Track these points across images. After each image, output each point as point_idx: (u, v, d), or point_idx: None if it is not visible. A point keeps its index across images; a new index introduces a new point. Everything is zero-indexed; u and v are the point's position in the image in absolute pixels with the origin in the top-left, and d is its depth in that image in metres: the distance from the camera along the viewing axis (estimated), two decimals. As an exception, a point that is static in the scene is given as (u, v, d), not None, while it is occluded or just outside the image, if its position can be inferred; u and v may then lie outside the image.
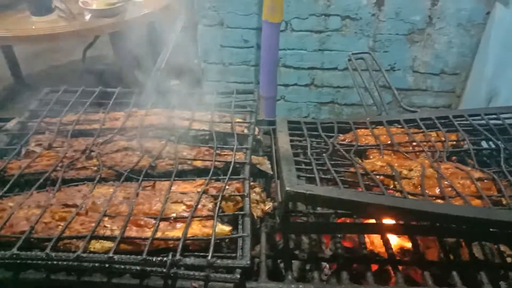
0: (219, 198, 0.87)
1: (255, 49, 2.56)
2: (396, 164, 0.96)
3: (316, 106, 2.73)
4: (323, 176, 0.89)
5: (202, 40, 2.57)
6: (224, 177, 0.95)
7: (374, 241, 1.11)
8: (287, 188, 0.78)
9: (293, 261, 0.91)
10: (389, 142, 1.06)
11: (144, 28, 2.49)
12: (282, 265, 0.98)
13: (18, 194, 0.92)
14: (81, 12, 2.29)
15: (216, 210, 0.84)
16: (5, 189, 0.92)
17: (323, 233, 0.93)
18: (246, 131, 1.14)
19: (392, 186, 0.90)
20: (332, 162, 0.95)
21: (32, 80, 3.33)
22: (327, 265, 1.14)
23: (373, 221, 0.87)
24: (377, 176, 0.90)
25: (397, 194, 0.87)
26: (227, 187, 0.92)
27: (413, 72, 2.58)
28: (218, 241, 0.80)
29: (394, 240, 1.03)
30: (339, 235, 0.93)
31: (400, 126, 1.14)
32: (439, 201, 0.85)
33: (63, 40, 2.61)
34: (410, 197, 0.84)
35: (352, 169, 0.93)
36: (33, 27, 2.27)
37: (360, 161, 0.99)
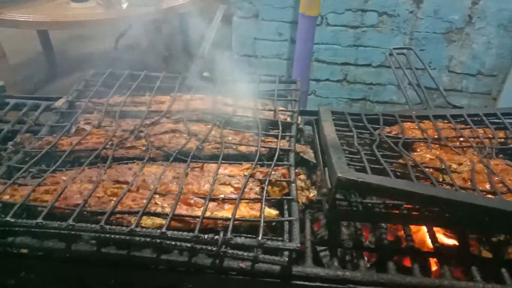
0: (266, 182, 0.88)
1: (289, 42, 2.56)
2: (444, 158, 0.94)
3: (348, 102, 2.71)
4: (372, 166, 0.88)
5: (236, 32, 2.58)
6: (270, 162, 0.96)
7: (415, 237, 1.10)
8: (339, 175, 0.78)
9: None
10: (436, 136, 1.04)
11: (179, 18, 2.52)
12: (322, 253, 1.00)
13: (70, 169, 0.95)
14: (118, 0, 2.33)
15: (264, 194, 0.85)
16: (57, 163, 0.94)
17: (373, 222, 0.93)
18: (289, 119, 1.14)
19: (441, 179, 0.89)
20: (380, 153, 0.94)
21: (65, 65, 3.40)
22: (365, 258, 1.14)
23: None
24: (427, 169, 0.89)
25: (447, 187, 0.86)
26: (273, 172, 0.92)
27: (448, 72, 2.54)
28: (265, 223, 0.80)
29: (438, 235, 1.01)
30: (382, 227, 0.93)
31: (446, 121, 1.12)
32: (490, 196, 0.84)
33: (99, 27, 2.66)
34: (461, 191, 0.83)
35: (401, 161, 0.92)
36: (71, 13, 2.32)
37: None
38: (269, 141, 1.06)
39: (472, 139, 1.04)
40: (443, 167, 0.91)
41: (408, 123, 1.11)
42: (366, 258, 1.12)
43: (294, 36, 2.47)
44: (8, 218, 0.78)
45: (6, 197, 0.86)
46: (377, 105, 2.69)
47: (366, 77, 2.61)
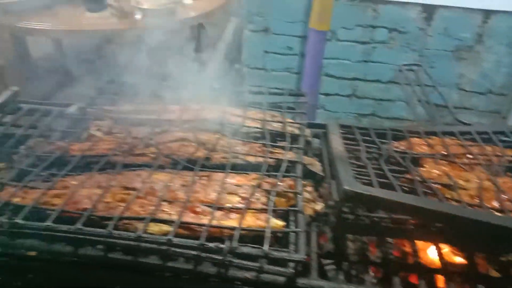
0: (273, 193, 0.88)
1: (299, 56, 2.58)
2: (452, 175, 0.94)
3: (356, 117, 2.72)
4: (379, 180, 0.88)
5: (246, 45, 2.61)
6: (277, 173, 0.96)
7: (421, 254, 1.09)
8: (346, 187, 0.78)
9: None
10: (444, 152, 1.04)
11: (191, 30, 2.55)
12: (327, 266, 1.00)
13: (80, 174, 0.96)
14: (132, 11, 2.37)
15: (271, 204, 0.85)
16: (68, 168, 0.96)
17: (379, 236, 0.92)
18: (297, 131, 1.15)
19: (448, 196, 0.89)
20: (388, 168, 0.94)
21: (77, 73, 3.45)
22: (372, 273, 1.13)
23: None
24: (434, 185, 0.89)
25: (454, 203, 0.86)
26: (280, 183, 0.93)
27: (458, 89, 2.54)
28: (272, 234, 0.80)
29: (445, 252, 1.01)
30: (389, 242, 0.92)
31: (454, 138, 1.12)
32: (498, 214, 0.83)
33: (113, 37, 2.71)
34: (468, 207, 0.83)
35: (408, 176, 0.92)
36: (85, 22, 2.37)
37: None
38: (276, 152, 1.07)
39: (480, 156, 1.04)
40: (451, 183, 0.91)
41: (416, 139, 1.11)
42: (372, 273, 1.11)
43: (304, 50, 2.49)
44: (18, 220, 0.79)
45: (17, 200, 0.87)
46: (386, 121, 2.69)
47: (375, 93, 2.62)
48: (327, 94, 2.67)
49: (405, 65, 1.53)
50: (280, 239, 0.89)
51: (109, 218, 0.81)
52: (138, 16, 2.42)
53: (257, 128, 1.14)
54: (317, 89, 2.46)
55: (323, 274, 0.96)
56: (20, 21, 2.18)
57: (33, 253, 0.87)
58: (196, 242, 0.75)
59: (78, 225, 0.78)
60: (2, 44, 2.15)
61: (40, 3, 2.34)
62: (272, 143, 1.08)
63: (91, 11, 2.44)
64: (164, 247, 0.77)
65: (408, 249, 0.97)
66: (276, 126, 1.17)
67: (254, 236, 0.84)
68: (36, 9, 2.35)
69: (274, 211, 0.86)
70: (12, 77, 2.20)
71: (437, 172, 0.94)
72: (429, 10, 2.34)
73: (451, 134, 1.14)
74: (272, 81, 2.67)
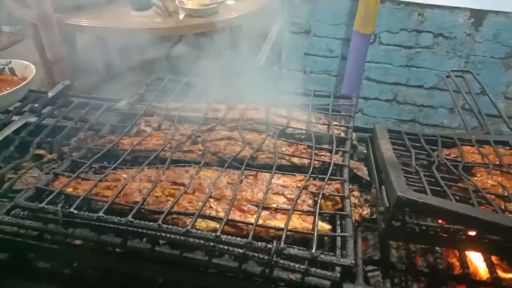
0: (320, 196, 0.87)
1: (339, 59, 2.56)
2: (507, 185, 0.91)
3: (396, 123, 2.66)
4: (431, 188, 0.86)
5: (287, 47, 2.61)
6: (322, 176, 0.95)
7: (470, 265, 1.05)
8: (399, 194, 0.76)
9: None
10: (497, 162, 1.00)
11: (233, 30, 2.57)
12: (369, 273, 0.98)
13: (130, 167, 0.98)
14: (176, 11, 2.41)
15: (318, 207, 0.84)
16: (119, 161, 0.98)
17: (428, 245, 0.90)
18: (343, 134, 1.14)
19: (503, 207, 0.85)
20: (440, 175, 0.91)
21: (119, 70, 3.54)
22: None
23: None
24: (488, 195, 0.86)
25: (510, 215, 0.82)
26: (326, 186, 0.92)
27: (505, 98, 2.45)
28: (318, 237, 0.80)
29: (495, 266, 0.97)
30: (437, 252, 0.90)
31: (508, 148, 1.08)
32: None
33: (157, 35, 2.77)
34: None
35: (461, 184, 0.89)
36: (131, 20, 2.43)
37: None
38: (322, 155, 1.06)
39: (537, 168, 1.00)
40: (506, 194, 0.87)
41: (468, 147, 1.07)
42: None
43: (345, 53, 2.46)
44: (71, 210, 0.81)
45: (69, 190, 0.90)
46: (426, 128, 2.62)
47: (417, 99, 2.55)
48: (366, 98, 2.63)
49: (453, 70, 1.49)
50: (322, 243, 0.89)
51: (159, 212, 0.83)
52: (182, 15, 2.46)
53: (302, 129, 1.14)
54: (357, 93, 2.43)
55: (366, 281, 0.95)
56: (70, 18, 2.27)
57: (79, 242, 0.89)
58: (244, 240, 0.76)
59: (129, 218, 0.79)
60: (52, 40, 2.23)
61: (88, 1, 2.42)
62: (317, 145, 1.07)
63: (137, 10, 2.50)
64: (211, 244, 0.77)
65: (455, 260, 0.94)
66: (322, 128, 1.16)
67: (297, 238, 0.84)
68: (85, 7, 2.43)
69: (320, 214, 0.86)
70: (61, 72, 2.29)
71: (491, 182, 0.91)
72: (478, 16, 2.27)
73: (505, 143, 1.09)
74: (310, 83, 2.65)
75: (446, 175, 0.94)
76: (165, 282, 0.99)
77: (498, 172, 0.99)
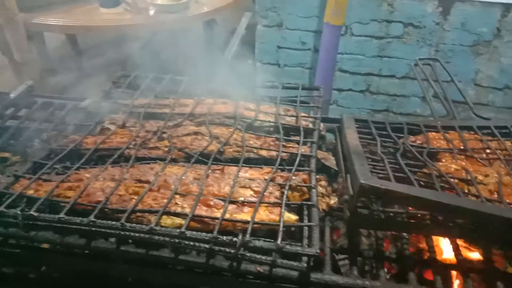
0: (286, 187, 0.87)
1: (312, 51, 2.56)
2: (471, 169, 0.92)
3: (370, 113, 2.68)
4: (395, 174, 0.86)
5: (259, 40, 2.59)
6: (290, 167, 0.95)
7: (437, 250, 1.07)
8: (362, 181, 0.77)
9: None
10: (462, 147, 1.02)
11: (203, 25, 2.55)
12: (340, 262, 0.98)
13: (93, 167, 0.96)
14: (146, 7, 2.37)
15: (284, 198, 0.84)
16: (82, 160, 0.96)
17: (394, 231, 0.91)
18: (311, 125, 1.14)
19: (466, 191, 0.87)
20: (404, 162, 0.92)
21: (92, 69, 3.47)
22: (385, 269, 1.11)
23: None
24: (452, 179, 0.87)
25: (473, 198, 0.83)
26: (293, 177, 0.92)
27: (474, 85, 2.49)
28: (285, 228, 0.79)
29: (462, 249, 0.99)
30: (404, 238, 0.91)
31: (473, 133, 1.10)
32: (518, 209, 0.81)
33: (127, 33, 2.73)
34: (487, 203, 0.81)
35: (425, 170, 0.90)
36: (99, 18, 2.38)
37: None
38: (290, 147, 1.05)
39: (500, 151, 1.02)
40: (469, 178, 0.88)
41: (433, 133, 1.08)
42: (386, 269, 1.09)
43: (317, 45, 2.47)
44: (32, 212, 0.79)
45: (30, 192, 0.88)
46: (400, 117, 2.65)
47: (390, 88, 2.58)
48: (340, 90, 2.64)
49: (421, 59, 1.50)
50: (293, 234, 0.88)
51: (122, 211, 0.81)
52: (151, 11, 2.42)
53: (270, 122, 1.13)
54: (330, 84, 2.43)
55: (336, 269, 0.95)
56: (36, 17, 2.21)
57: (46, 246, 0.87)
58: (209, 235, 0.75)
59: (91, 218, 0.78)
60: (18, 40, 2.17)
61: (55, -1, 2.36)
62: (285, 137, 1.07)
63: (105, 7, 2.45)
64: (176, 240, 0.76)
65: (423, 245, 0.95)
66: (290, 120, 1.16)
67: (267, 231, 0.83)
68: (51, 5, 2.37)
69: (287, 205, 0.85)
70: (29, 72, 2.23)
71: (455, 167, 0.92)
72: (446, 4, 2.30)
73: (469, 128, 1.11)
74: (284, 77, 2.64)
75: (411, 162, 0.95)
76: (135, 282, 0.98)
77: (462, 156, 1.00)
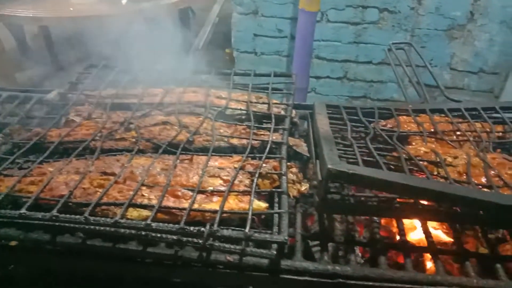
0: (256, 175, 0.86)
1: (289, 39, 2.53)
2: (440, 152, 0.92)
3: (348, 100, 2.68)
4: (365, 158, 0.86)
5: (235, 28, 2.56)
6: (261, 155, 0.94)
7: (408, 233, 1.08)
8: (329, 166, 0.76)
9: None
10: (432, 130, 1.02)
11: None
12: (314, 248, 0.98)
13: (57, 160, 0.93)
14: (118, -4, 2.32)
15: (253, 186, 0.83)
16: (45, 154, 0.93)
17: (363, 215, 0.91)
18: (283, 112, 1.13)
19: (436, 173, 0.87)
20: (374, 146, 0.92)
21: (66, 62, 3.39)
22: (359, 254, 1.12)
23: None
24: (421, 162, 0.87)
25: (442, 180, 0.84)
26: (264, 165, 0.91)
27: (450, 69, 2.51)
28: (254, 216, 0.78)
29: (432, 232, 1.00)
30: (375, 223, 0.91)
31: (443, 115, 1.10)
32: (486, 190, 0.81)
33: (99, 23, 2.66)
34: (455, 184, 0.81)
35: (395, 154, 0.90)
36: (71, 9, 2.32)
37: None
38: (261, 134, 1.04)
39: (469, 133, 1.02)
40: (438, 160, 0.88)
41: (404, 117, 1.08)
42: (360, 254, 1.10)
43: (294, 32, 2.44)
44: (-9, 209, 0.76)
45: (-9, 188, 0.85)
46: (378, 103, 2.66)
47: (367, 75, 2.58)
48: (318, 77, 2.63)
49: (394, 43, 1.50)
50: (266, 222, 0.88)
51: (86, 204, 0.79)
52: (123, 1, 2.37)
53: (242, 110, 1.12)
54: (307, 72, 2.42)
55: (310, 256, 0.95)
56: (3, 9, 2.14)
57: (14, 243, 0.84)
58: (176, 226, 0.73)
59: (53, 212, 0.75)
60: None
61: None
62: (257, 125, 1.05)
63: (77, -3, 2.38)
64: (143, 233, 0.74)
65: (395, 228, 0.95)
66: (262, 108, 1.14)
67: (240, 220, 0.82)
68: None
69: (257, 193, 0.84)
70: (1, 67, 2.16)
71: (425, 149, 0.92)
72: (420, -11, 2.30)
73: (440, 111, 1.11)
74: (262, 65, 2.62)
75: (382, 146, 0.95)
76: (105, 276, 0.96)
77: (433, 139, 1.00)
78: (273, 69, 2.56)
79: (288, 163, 0.96)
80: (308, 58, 2.36)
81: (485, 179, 0.84)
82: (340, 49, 2.52)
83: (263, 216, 0.83)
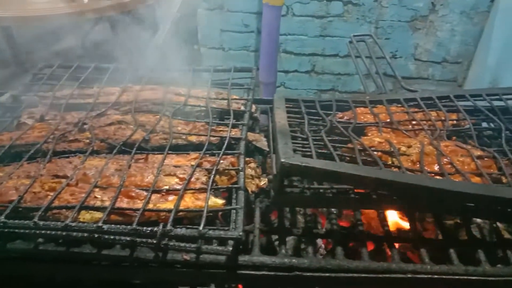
0: (213, 172, 0.85)
1: (256, 34, 2.53)
2: (394, 141, 0.94)
3: (317, 93, 2.70)
4: (320, 151, 0.87)
5: (201, 24, 2.54)
6: (219, 151, 0.93)
7: (370, 223, 1.09)
8: (282, 160, 0.76)
9: (288, 237, 0.90)
10: (388, 120, 1.04)
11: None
12: (276, 242, 0.98)
13: (8, 164, 0.90)
14: (80, -6, 2.26)
15: (210, 183, 0.82)
16: (-6, 159, 0.90)
17: (319, 207, 0.91)
18: (242, 108, 1.12)
19: (390, 162, 0.88)
20: (330, 138, 0.92)
21: (32, 64, 3.29)
22: (323, 245, 1.13)
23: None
24: (375, 152, 0.88)
25: (395, 170, 0.85)
26: (221, 161, 0.90)
27: (414, 60, 2.55)
28: (210, 213, 0.78)
29: (391, 221, 1.01)
30: (335, 215, 0.91)
31: (400, 105, 1.12)
32: (438, 177, 0.83)
33: (62, 22, 2.59)
34: (408, 173, 0.82)
35: (349, 145, 0.91)
36: (31, 7, 2.24)
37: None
38: (220, 130, 1.03)
39: (424, 122, 1.04)
40: (392, 150, 0.90)
41: (362, 108, 1.10)
42: (323, 245, 1.11)
43: (260, 27, 2.44)
44: None
45: None
46: (345, 95, 2.69)
47: (334, 67, 2.60)
48: (286, 72, 2.64)
49: (356, 35, 1.52)
50: (227, 218, 0.87)
51: (37, 209, 0.76)
52: (85, -1, 2.30)
53: (201, 106, 1.11)
54: (275, 66, 2.42)
55: (272, 250, 0.95)
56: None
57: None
58: (128, 227, 0.72)
59: (1, 218, 0.73)
60: None
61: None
62: (215, 121, 1.05)
63: (35, -5, 2.30)
64: (95, 235, 0.73)
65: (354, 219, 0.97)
66: (221, 104, 1.13)
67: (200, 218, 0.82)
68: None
69: (215, 190, 0.84)
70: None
71: (379, 140, 0.93)
72: (383, -19, 2.33)
73: (397, 101, 1.13)
74: (230, 60, 2.61)
75: (337, 138, 0.95)
76: (63, 281, 0.94)
77: (388, 129, 1.02)
78: (241, 64, 2.57)
79: (247, 158, 0.96)
80: (275, 53, 2.36)
81: (438, 167, 0.86)
82: (306, 42, 2.53)
83: (220, 213, 0.82)
